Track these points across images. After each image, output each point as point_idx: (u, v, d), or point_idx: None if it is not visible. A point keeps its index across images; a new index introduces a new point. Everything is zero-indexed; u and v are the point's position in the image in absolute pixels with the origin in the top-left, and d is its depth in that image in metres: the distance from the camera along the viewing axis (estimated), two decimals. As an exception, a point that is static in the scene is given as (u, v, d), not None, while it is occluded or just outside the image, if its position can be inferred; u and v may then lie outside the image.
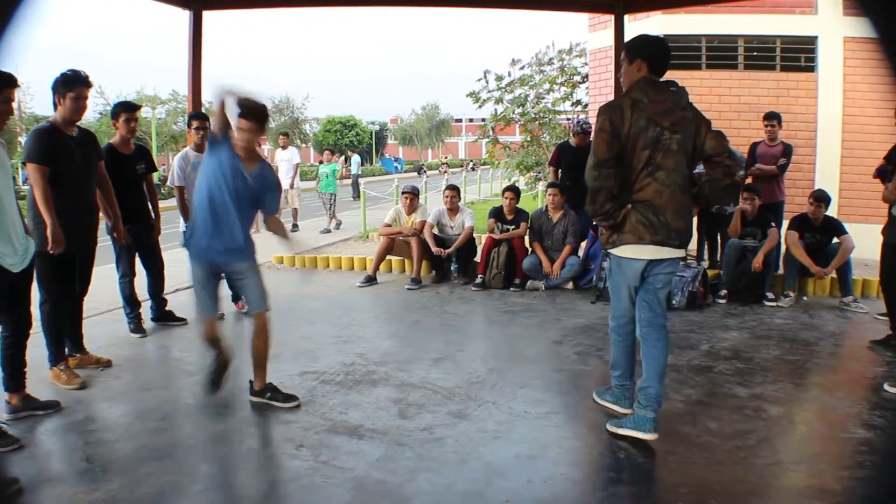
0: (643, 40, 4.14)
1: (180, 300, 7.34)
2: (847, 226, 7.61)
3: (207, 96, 7.84)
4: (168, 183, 7.07)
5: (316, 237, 13.67)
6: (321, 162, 16.80)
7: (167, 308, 6.73)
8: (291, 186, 14.72)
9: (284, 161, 14.80)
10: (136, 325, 6.39)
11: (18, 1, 1.14)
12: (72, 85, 4.90)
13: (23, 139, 32.01)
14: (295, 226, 14.70)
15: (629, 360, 4.37)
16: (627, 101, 3.92)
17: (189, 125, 7.10)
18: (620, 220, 3.95)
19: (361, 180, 20.87)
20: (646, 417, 3.97)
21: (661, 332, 4.07)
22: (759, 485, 3.62)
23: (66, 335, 5.31)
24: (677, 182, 3.93)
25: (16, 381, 4.45)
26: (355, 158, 29.02)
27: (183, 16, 8.00)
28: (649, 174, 3.90)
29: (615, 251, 4.07)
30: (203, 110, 7.83)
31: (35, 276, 5.01)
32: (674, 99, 3.96)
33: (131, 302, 6.36)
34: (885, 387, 4.86)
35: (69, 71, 4.93)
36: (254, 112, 4.46)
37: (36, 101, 37.11)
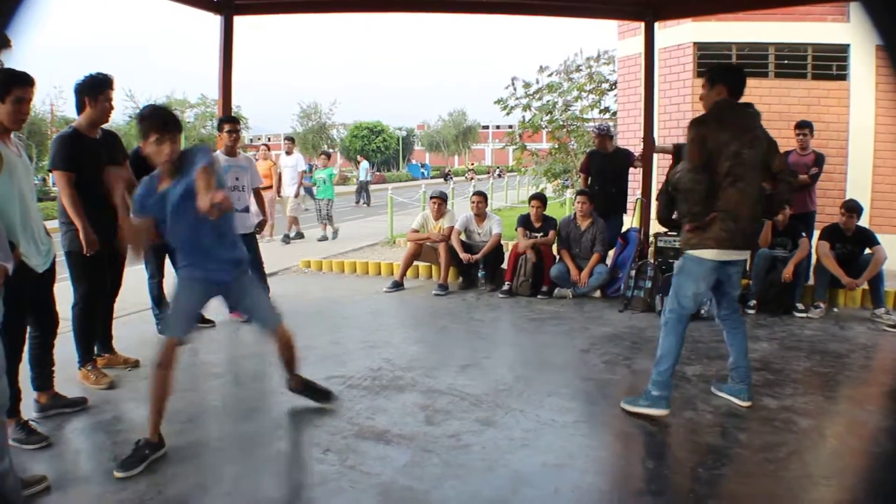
0: (723, 68, 4.81)
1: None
2: (879, 236, 7.52)
3: (237, 100, 7.89)
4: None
5: (315, 245, 13.34)
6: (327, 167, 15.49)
7: None
8: (296, 195, 14.12)
9: (289, 167, 14.18)
10: (164, 325, 6.40)
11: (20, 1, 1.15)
12: (101, 88, 4.93)
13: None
14: (300, 234, 14.25)
15: (679, 352, 4.59)
16: (712, 119, 4.46)
17: (220, 129, 7.12)
18: (706, 224, 4.44)
19: (388, 185, 20.68)
20: (741, 389, 4.74)
21: (739, 320, 4.84)
22: (789, 498, 3.58)
23: (96, 336, 5.36)
24: (753, 193, 4.44)
25: (44, 380, 4.50)
26: (364, 165, 28.86)
27: (214, 21, 8.06)
28: (731, 184, 4.36)
29: (696, 252, 4.52)
30: (233, 114, 7.89)
31: (68, 277, 5.07)
32: (750, 120, 4.50)
33: (160, 303, 6.37)
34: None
35: (97, 74, 4.96)
36: (145, 120, 3.94)
37: (69, 104, 37.49)
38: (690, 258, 4.57)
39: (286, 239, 13.93)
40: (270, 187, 13.49)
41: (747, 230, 4.47)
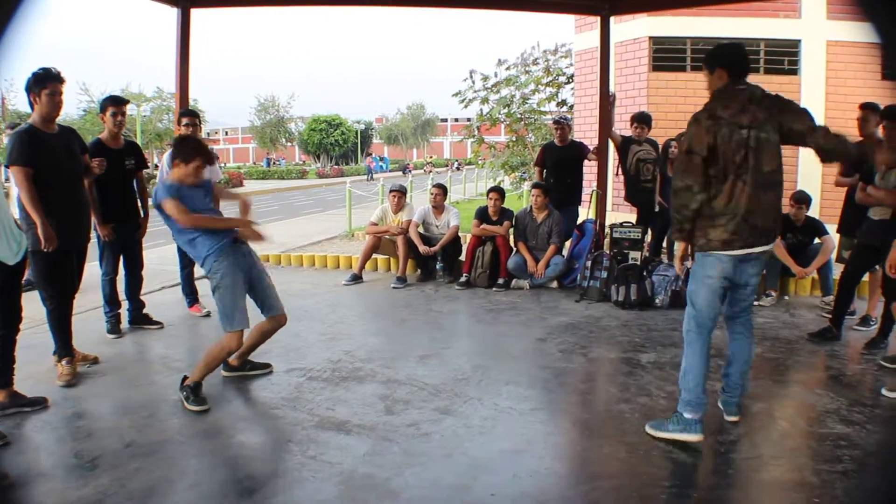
0: (717, 49, 4.07)
1: (156, 300, 7.49)
2: (828, 226, 7.69)
3: (194, 94, 7.84)
4: (158, 181, 7.02)
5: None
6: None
7: (144, 311, 6.68)
8: None
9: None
10: (112, 325, 6.36)
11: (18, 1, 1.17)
12: (45, 82, 4.89)
13: (6, 137, 31.89)
14: None
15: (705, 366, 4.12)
16: (705, 115, 3.87)
17: (178, 122, 7.08)
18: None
19: (347, 179, 20.30)
20: (728, 401, 4.34)
21: (749, 324, 4.38)
22: (739, 478, 3.70)
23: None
24: (763, 182, 3.87)
25: (4, 377, 4.46)
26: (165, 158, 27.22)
27: (170, 14, 8.00)
28: (734, 178, 3.87)
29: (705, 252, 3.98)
30: (191, 108, 7.83)
31: (34, 276, 5.03)
32: (743, 101, 3.88)
33: (111, 301, 6.34)
34: (884, 391, 4.87)
35: (40, 69, 4.91)
36: (193, 148, 4.85)
37: (20, 98, 36.94)
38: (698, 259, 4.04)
39: None
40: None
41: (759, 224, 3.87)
